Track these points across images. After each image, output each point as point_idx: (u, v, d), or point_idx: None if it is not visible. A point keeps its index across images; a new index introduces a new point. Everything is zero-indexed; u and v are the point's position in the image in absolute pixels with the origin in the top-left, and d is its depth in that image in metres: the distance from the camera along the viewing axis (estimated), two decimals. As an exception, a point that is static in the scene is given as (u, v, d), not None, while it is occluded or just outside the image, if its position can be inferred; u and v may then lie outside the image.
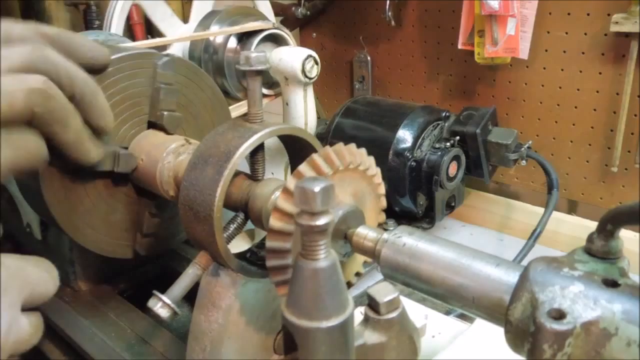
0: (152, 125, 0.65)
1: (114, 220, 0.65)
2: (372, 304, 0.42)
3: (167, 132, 0.63)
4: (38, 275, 0.43)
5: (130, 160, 0.61)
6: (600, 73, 1.00)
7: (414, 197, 0.97)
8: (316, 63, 0.85)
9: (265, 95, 0.93)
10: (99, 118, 0.49)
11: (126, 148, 0.63)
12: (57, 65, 0.44)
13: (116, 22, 0.89)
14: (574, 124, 1.06)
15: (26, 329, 0.40)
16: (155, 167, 0.60)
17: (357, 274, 0.54)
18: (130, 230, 0.67)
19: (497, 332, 0.39)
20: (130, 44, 0.78)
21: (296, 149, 0.58)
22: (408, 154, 0.94)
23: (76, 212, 0.62)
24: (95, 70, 0.50)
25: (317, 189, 0.33)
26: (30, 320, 0.40)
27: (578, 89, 1.04)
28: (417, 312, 0.66)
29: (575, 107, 1.05)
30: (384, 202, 0.53)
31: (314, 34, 1.46)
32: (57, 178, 0.59)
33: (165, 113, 0.63)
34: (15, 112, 0.40)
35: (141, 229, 0.67)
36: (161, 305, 0.49)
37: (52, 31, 0.46)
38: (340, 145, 0.47)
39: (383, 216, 0.54)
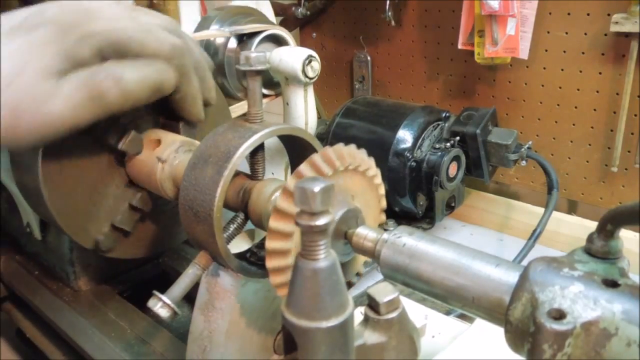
0: (164, 126, 0.66)
1: (93, 204, 0.62)
2: (372, 304, 0.42)
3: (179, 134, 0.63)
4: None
5: (137, 143, 0.60)
6: (600, 73, 1.00)
7: (414, 197, 0.97)
8: (316, 63, 0.85)
9: (265, 95, 0.92)
10: (208, 91, 0.60)
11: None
12: (189, 41, 0.57)
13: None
14: (574, 124, 1.06)
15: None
16: (154, 168, 0.60)
17: (357, 275, 0.54)
18: (102, 220, 0.64)
19: (497, 332, 0.39)
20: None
21: (296, 149, 0.58)
22: (408, 154, 0.94)
23: (66, 189, 0.60)
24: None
25: (316, 189, 0.33)
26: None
27: (578, 89, 1.04)
28: (417, 312, 0.66)
29: (575, 107, 1.05)
30: (384, 203, 0.53)
31: (314, 34, 1.46)
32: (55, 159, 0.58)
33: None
34: (162, 52, 0.52)
35: (115, 218, 0.63)
36: (161, 305, 0.49)
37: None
38: (340, 146, 0.47)
39: (383, 217, 0.54)
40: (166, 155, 0.59)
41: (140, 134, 0.62)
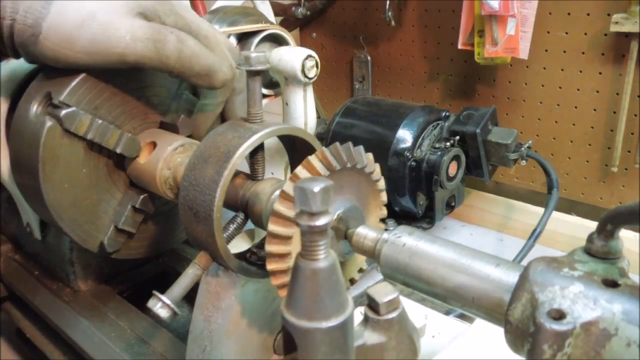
0: (162, 125, 0.65)
1: (95, 207, 0.63)
2: (372, 304, 0.41)
3: (178, 133, 0.64)
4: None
5: (133, 145, 0.61)
6: (600, 73, 1.00)
7: (414, 197, 0.97)
8: (316, 63, 0.85)
9: (265, 95, 0.92)
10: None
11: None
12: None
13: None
14: (574, 124, 1.06)
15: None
16: (155, 167, 0.60)
17: (360, 270, 0.54)
18: (107, 223, 0.65)
19: (497, 332, 0.39)
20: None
21: (296, 149, 0.58)
22: (408, 154, 0.94)
23: (66, 190, 0.60)
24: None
25: (316, 189, 0.33)
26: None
27: (578, 89, 1.04)
28: (417, 312, 0.66)
29: (575, 107, 1.05)
30: (384, 198, 0.53)
31: (314, 34, 1.46)
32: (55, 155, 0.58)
33: (182, 116, 0.64)
34: (220, 63, 0.61)
35: (118, 220, 0.64)
36: (161, 305, 0.49)
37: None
38: (336, 146, 0.47)
39: (384, 211, 0.54)
40: (164, 157, 0.59)
41: (136, 136, 0.62)
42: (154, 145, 0.61)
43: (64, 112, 0.56)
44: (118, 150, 0.60)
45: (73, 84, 0.56)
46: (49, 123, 0.56)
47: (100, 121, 0.59)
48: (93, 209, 0.63)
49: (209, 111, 0.67)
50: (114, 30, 0.52)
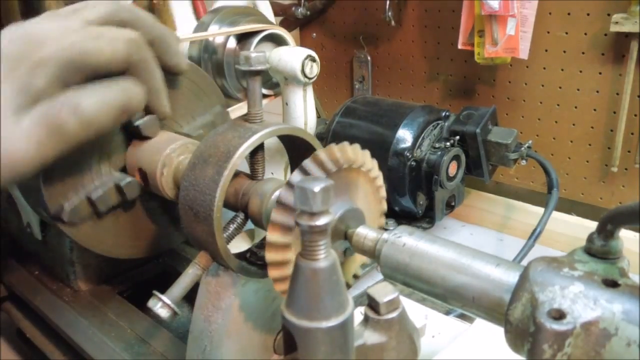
0: (132, 136, 0.63)
1: (123, 223, 0.66)
2: (372, 304, 0.41)
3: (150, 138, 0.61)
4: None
5: (134, 186, 0.61)
6: (600, 73, 1.00)
7: (414, 197, 0.97)
8: (315, 63, 0.85)
9: (265, 95, 0.92)
10: (174, 56, 0.56)
11: (124, 170, 0.62)
12: (137, 15, 0.52)
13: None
14: (574, 124, 1.06)
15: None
16: (155, 169, 0.60)
17: (355, 276, 0.54)
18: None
19: (497, 332, 0.39)
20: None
21: (296, 149, 0.58)
22: (408, 154, 0.94)
23: (127, 242, 0.65)
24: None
25: (317, 189, 0.33)
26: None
27: (578, 89, 1.04)
28: (417, 312, 0.66)
29: (575, 107, 1.05)
30: (384, 205, 0.53)
31: (314, 34, 1.46)
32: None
33: (137, 123, 0.59)
34: (118, 59, 0.48)
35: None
36: (161, 305, 0.49)
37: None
38: (344, 144, 0.47)
39: (383, 220, 0.54)
40: (160, 184, 0.59)
41: (125, 162, 0.63)
42: (142, 172, 0.61)
43: (65, 217, 0.57)
44: (128, 199, 0.61)
45: (45, 194, 0.57)
46: (67, 232, 0.59)
47: (94, 195, 0.58)
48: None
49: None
50: (14, 150, 0.43)
